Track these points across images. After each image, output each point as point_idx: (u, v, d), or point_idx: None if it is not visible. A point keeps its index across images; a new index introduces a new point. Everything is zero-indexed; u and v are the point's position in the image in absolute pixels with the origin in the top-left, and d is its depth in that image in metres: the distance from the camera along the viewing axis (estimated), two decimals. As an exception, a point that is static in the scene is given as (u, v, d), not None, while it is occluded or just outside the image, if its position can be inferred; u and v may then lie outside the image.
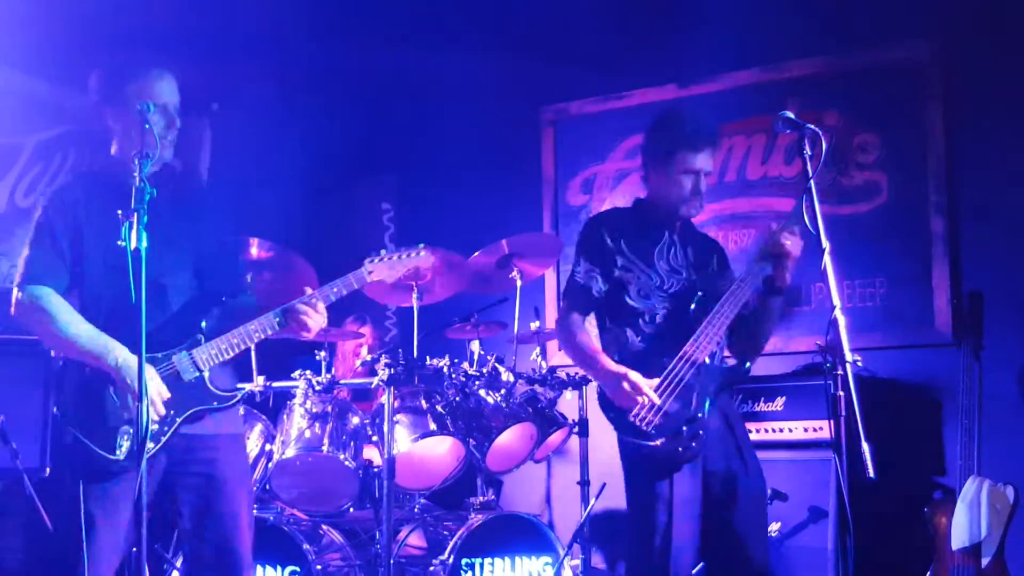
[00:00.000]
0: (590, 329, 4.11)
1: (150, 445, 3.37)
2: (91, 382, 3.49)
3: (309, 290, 3.66)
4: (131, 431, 3.42)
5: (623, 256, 4.05)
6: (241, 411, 3.92)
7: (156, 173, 3.52)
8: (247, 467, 3.78)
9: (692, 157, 3.98)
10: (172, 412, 3.50)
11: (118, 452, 3.44)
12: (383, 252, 3.84)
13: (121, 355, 3.45)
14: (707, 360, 3.88)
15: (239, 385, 3.80)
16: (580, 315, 4.10)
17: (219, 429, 3.61)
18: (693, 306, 3.91)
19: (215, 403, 3.58)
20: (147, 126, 3.33)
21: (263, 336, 3.62)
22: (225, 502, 3.58)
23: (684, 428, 3.81)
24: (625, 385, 3.79)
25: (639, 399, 3.77)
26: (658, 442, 3.79)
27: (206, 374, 3.56)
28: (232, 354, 3.61)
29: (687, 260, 4.08)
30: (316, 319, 3.62)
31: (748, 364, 3.99)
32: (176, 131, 3.70)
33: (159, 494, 3.56)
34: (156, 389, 3.45)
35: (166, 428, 3.49)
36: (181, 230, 3.63)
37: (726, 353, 4.08)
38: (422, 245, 3.91)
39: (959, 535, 4.99)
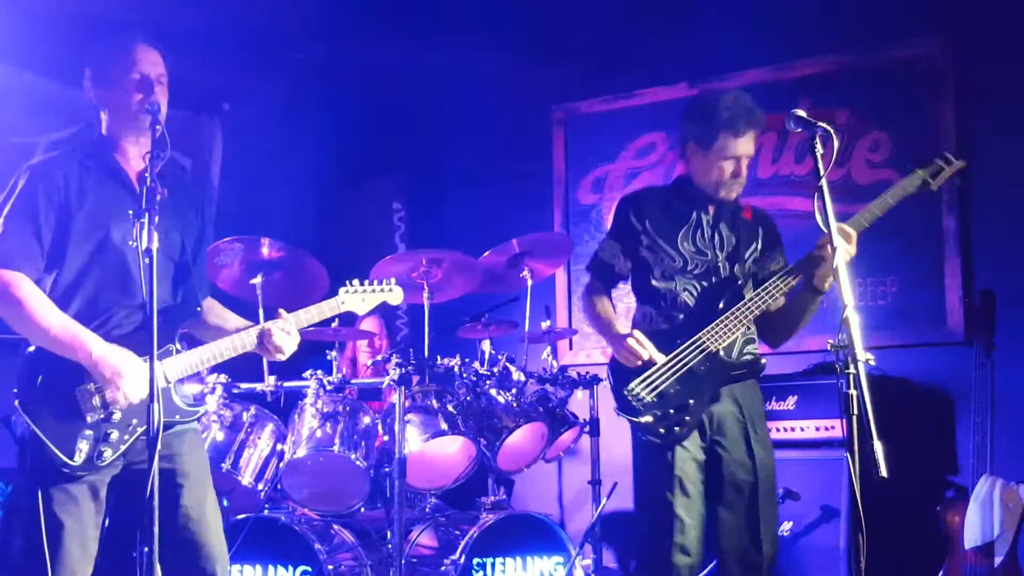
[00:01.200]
0: (613, 300, 4.16)
1: (109, 452, 3.35)
2: (59, 376, 3.34)
3: (283, 312, 3.66)
4: (92, 435, 3.33)
5: (648, 236, 4.07)
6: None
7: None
8: (207, 461, 3.74)
9: (733, 143, 3.96)
10: (135, 421, 3.40)
11: (77, 456, 3.31)
12: (356, 283, 3.90)
13: (98, 348, 3.34)
14: (720, 351, 3.88)
15: (197, 406, 3.68)
16: (602, 285, 4.17)
17: (177, 428, 3.50)
18: (722, 304, 3.91)
19: (176, 416, 3.49)
20: (158, 127, 3.31)
21: (235, 355, 3.60)
22: (190, 497, 3.51)
23: (672, 411, 3.86)
24: (630, 342, 3.85)
25: (640, 354, 3.82)
26: (644, 419, 3.86)
27: (172, 386, 3.49)
28: (200, 369, 3.57)
29: (716, 242, 4.04)
30: (289, 343, 3.63)
31: (763, 361, 4.00)
32: (165, 100, 3.56)
33: (122, 496, 3.47)
34: (138, 389, 3.36)
35: (126, 437, 3.39)
36: (168, 233, 3.47)
37: (748, 348, 4.03)
38: (393, 280, 3.95)
39: (971, 534, 4.98)
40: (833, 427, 5.27)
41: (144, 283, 3.17)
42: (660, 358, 3.86)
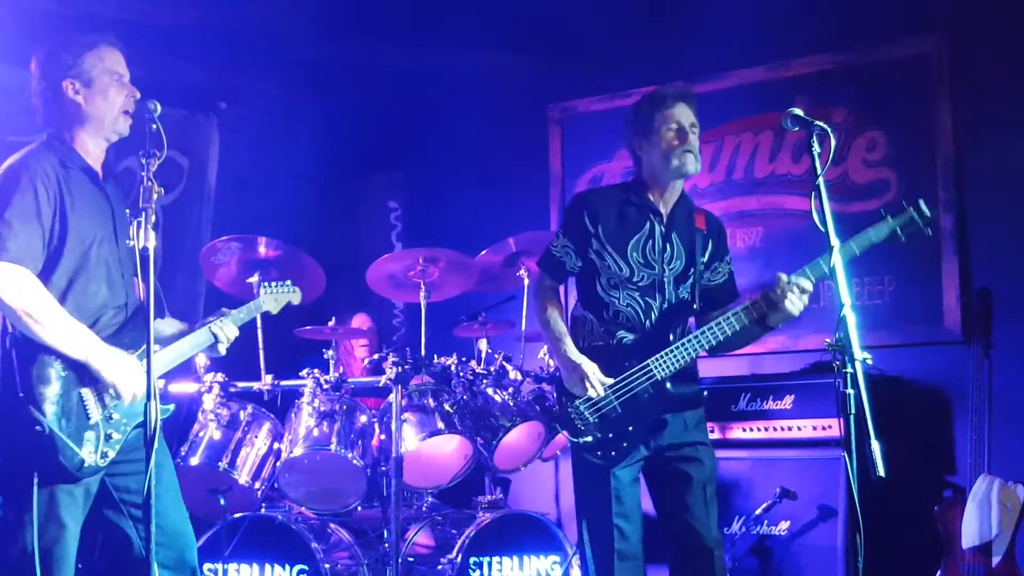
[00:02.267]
0: (561, 302, 4.19)
1: (111, 452, 3.37)
2: (66, 376, 3.34)
3: (225, 310, 3.84)
4: (95, 436, 3.35)
5: (598, 240, 4.07)
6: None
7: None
8: (170, 458, 3.82)
9: (667, 114, 4.02)
10: (125, 420, 3.43)
11: (88, 456, 3.32)
12: (266, 284, 4.25)
13: (102, 348, 3.37)
14: (668, 384, 3.90)
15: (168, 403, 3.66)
16: (553, 282, 4.19)
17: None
18: (671, 335, 3.95)
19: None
20: (154, 126, 3.30)
21: (193, 353, 3.76)
22: (165, 487, 3.52)
23: (611, 435, 3.90)
24: (577, 376, 3.88)
25: (589, 388, 3.86)
26: (584, 439, 3.91)
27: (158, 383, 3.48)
28: (172, 367, 3.65)
29: (666, 255, 4.04)
30: (230, 335, 3.80)
31: (705, 392, 4.03)
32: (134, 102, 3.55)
33: (103, 492, 3.49)
34: (139, 388, 3.39)
35: (119, 436, 3.41)
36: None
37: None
38: (289, 282, 4.30)
39: (969, 534, 4.98)
40: (830, 426, 5.26)
41: (141, 281, 3.17)
42: (607, 383, 3.89)
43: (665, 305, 4.00)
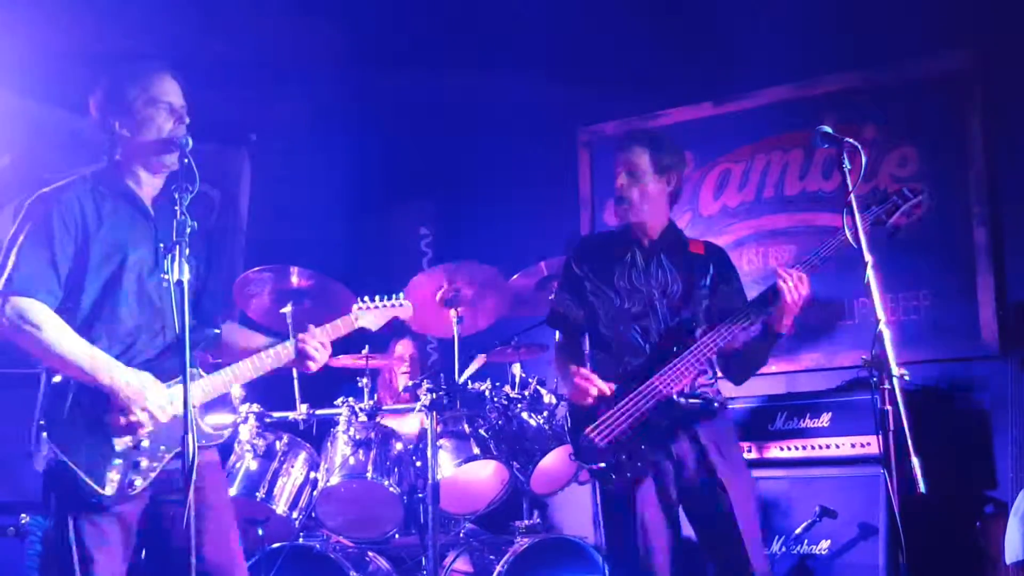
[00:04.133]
0: (577, 353, 4.21)
1: (139, 481, 3.35)
2: (86, 404, 3.34)
3: (312, 327, 3.77)
4: (122, 464, 3.34)
5: (590, 281, 4.14)
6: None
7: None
8: (228, 492, 3.78)
9: (620, 155, 4.11)
10: (163, 448, 3.41)
11: (108, 486, 3.31)
12: (367, 299, 4.07)
13: (117, 372, 3.34)
14: (675, 396, 3.87)
15: (221, 431, 3.70)
16: (564, 338, 4.27)
17: (200, 458, 3.24)
18: (675, 347, 3.91)
19: (204, 441, 3.48)
20: (186, 160, 3.32)
21: (261, 372, 3.66)
22: (215, 528, 3.49)
23: (624, 457, 3.88)
24: (577, 379, 3.91)
25: (591, 392, 3.86)
26: (598, 465, 3.90)
27: (196, 411, 3.48)
28: (224, 391, 3.63)
29: (652, 277, 4.06)
30: (323, 354, 3.73)
31: (716, 404, 3.97)
32: (185, 128, 3.57)
33: (147, 528, 3.46)
34: (160, 411, 3.37)
35: (155, 465, 3.39)
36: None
37: (703, 389, 4.02)
38: (402, 295, 4.13)
39: (1012, 549, 4.91)
40: (869, 443, 5.21)
41: (176, 314, 3.17)
42: (607, 390, 3.88)
43: (663, 328, 3.99)
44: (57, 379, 3.38)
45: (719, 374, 4.14)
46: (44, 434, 3.32)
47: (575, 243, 4.43)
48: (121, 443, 3.35)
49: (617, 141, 4.17)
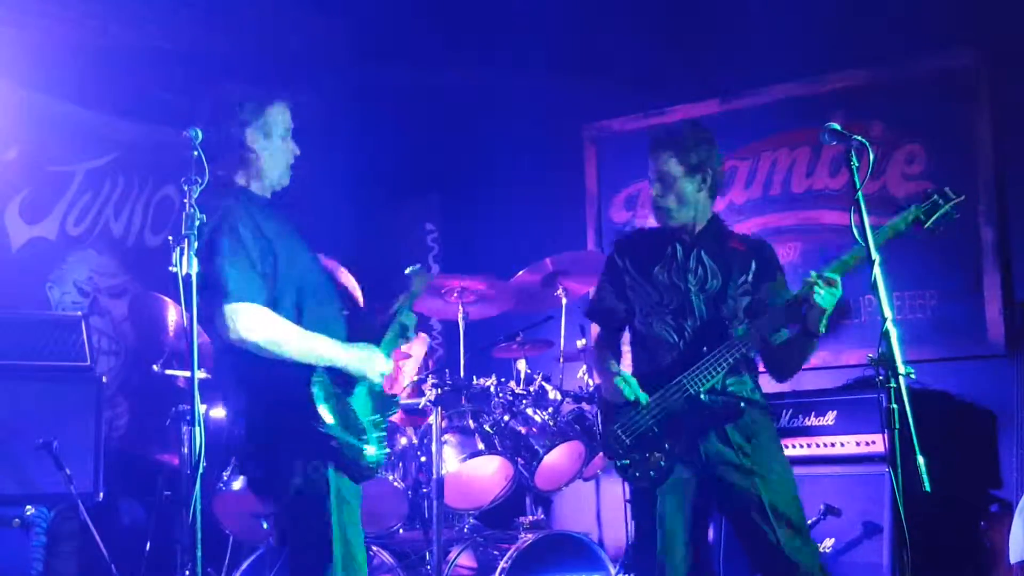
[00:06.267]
0: (614, 348, 4.20)
1: (382, 456, 3.65)
2: (334, 386, 3.54)
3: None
4: (374, 432, 3.61)
5: (629, 274, 4.12)
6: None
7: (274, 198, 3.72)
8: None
9: (650, 162, 4.06)
10: (386, 413, 3.75)
11: (373, 461, 3.61)
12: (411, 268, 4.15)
13: (337, 348, 3.57)
14: (703, 395, 3.86)
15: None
16: (605, 333, 4.26)
17: None
18: (705, 347, 3.89)
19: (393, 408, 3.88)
20: (196, 153, 3.34)
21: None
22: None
23: (648, 455, 3.89)
24: (616, 381, 3.90)
25: (627, 396, 3.86)
26: (623, 461, 3.93)
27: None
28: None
29: (690, 272, 4.01)
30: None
31: (743, 405, 3.91)
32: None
33: None
34: (385, 366, 3.70)
35: (384, 430, 3.71)
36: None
37: (732, 387, 3.98)
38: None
39: (1017, 549, 4.91)
40: (874, 442, 5.22)
41: (185, 308, 3.21)
42: (643, 399, 3.88)
43: (698, 324, 3.96)
44: (302, 374, 3.50)
45: (759, 369, 4.08)
46: (317, 427, 3.47)
47: (620, 237, 4.38)
48: (366, 414, 3.62)
49: (654, 139, 4.08)
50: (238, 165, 3.69)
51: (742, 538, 3.98)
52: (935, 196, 3.82)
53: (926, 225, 3.82)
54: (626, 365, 4.11)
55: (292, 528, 3.71)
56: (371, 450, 3.58)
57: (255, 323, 3.44)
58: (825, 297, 3.70)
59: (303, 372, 3.49)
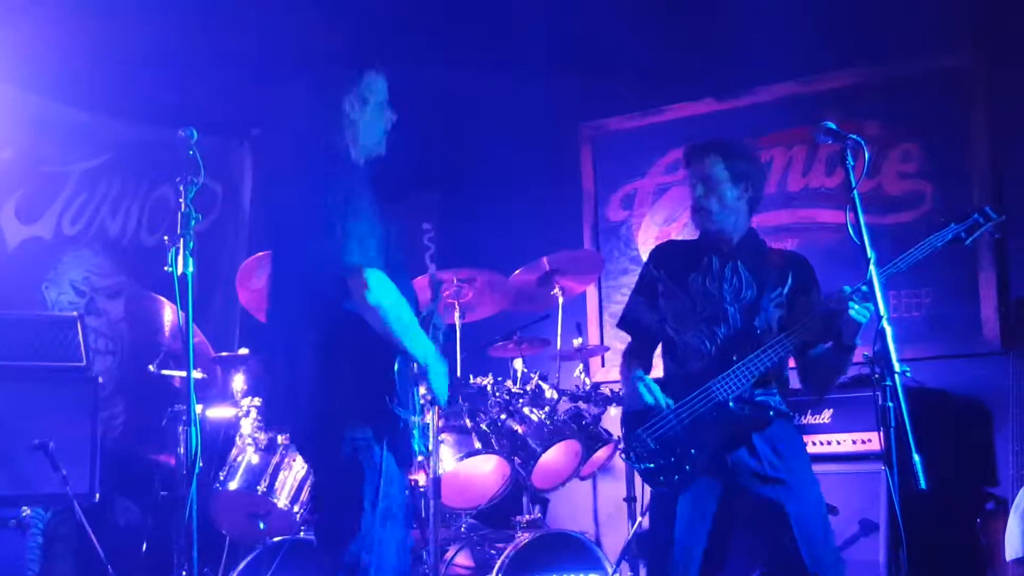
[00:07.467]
0: (644, 359, 4.19)
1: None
2: (405, 379, 3.56)
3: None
4: (419, 431, 3.64)
5: (663, 283, 4.11)
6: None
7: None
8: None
9: (692, 166, 4.09)
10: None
11: (417, 446, 3.63)
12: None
13: (433, 349, 3.61)
14: (731, 403, 3.85)
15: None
16: (636, 344, 4.24)
17: None
18: (735, 356, 3.87)
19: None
20: (191, 153, 3.34)
21: None
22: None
23: (673, 460, 3.88)
24: (639, 386, 3.90)
25: (645, 398, 3.87)
26: (646, 466, 3.93)
27: None
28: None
29: (726, 281, 4.01)
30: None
31: (771, 414, 3.89)
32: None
33: None
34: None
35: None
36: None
37: (760, 397, 3.96)
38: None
39: (1012, 545, 4.91)
40: (870, 440, 5.23)
41: (181, 308, 3.20)
42: (663, 402, 3.88)
43: (731, 333, 3.95)
44: (394, 353, 3.51)
45: (787, 379, 4.07)
46: (394, 404, 3.50)
47: (658, 245, 4.42)
48: (418, 413, 3.67)
49: (692, 144, 4.11)
50: (338, 133, 3.69)
51: (762, 548, 3.98)
52: (976, 215, 3.82)
53: (966, 243, 3.83)
54: (657, 375, 4.10)
55: (326, 492, 3.74)
56: (420, 439, 3.65)
57: (392, 294, 3.45)
58: (860, 311, 3.69)
59: (391, 351, 3.50)
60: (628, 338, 4.27)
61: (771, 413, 3.89)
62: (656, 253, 4.26)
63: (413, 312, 3.61)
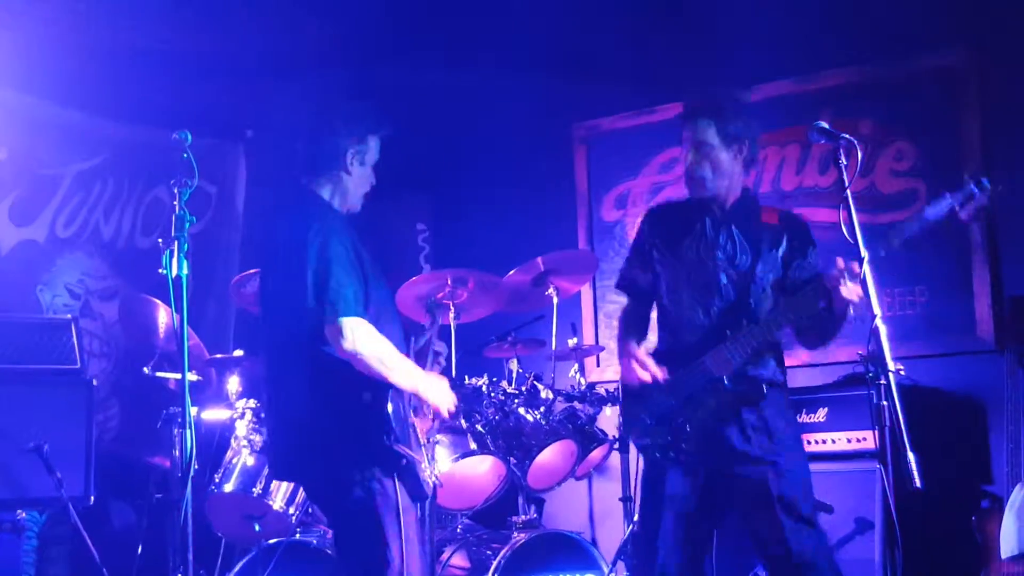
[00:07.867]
0: (640, 322, 4.17)
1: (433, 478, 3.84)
2: (403, 411, 3.64)
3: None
4: (427, 459, 3.71)
5: (657, 249, 4.09)
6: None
7: None
8: None
9: (685, 131, 4.03)
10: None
11: (427, 486, 3.71)
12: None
13: (420, 374, 3.73)
14: (724, 379, 3.84)
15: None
16: (633, 304, 4.21)
17: None
18: (728, 329, 3.86)
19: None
20: (185, 155, 3.34)
21: None
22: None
23: (669, 436, 3.89)
24: (634, 363, 3.91)
25: (643, 377, 3.87)
26: (643, 441, 3.96)
27: None
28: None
29: (718, 247, 3.97)
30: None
31: (765, 388, 3.88)
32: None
33: None
34: (451, 401, 3.85)
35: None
36: None
37: (752, 371, 3.95)
38: None
39: (1008, 543, 4.92)
40: (865, 438, 5.23)
41: (176, 311, 3.21)
42: (660, 376, 3.88)
43: (724, 303, 3.93)
44: (386, 392, 3.59)
45: (780, 344, 4.03)
46: (393, 443, 3.57)
47: (651, 208, 4.34)
48: (423, 440, 3.74)
49: (688, 106, 4.06)
50: (329, 180, 3.80)
51: (748, 527, 3.96)
52: (971, 185, 3.76)
53: (961, 214, 3.76)
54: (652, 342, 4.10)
55: (348, 536, 3.75)
56: (428, 469, 3.70)
57: (369, 339, 3.51)
58: (851, 290, 3.66)
59: (382, 389, 3.56)
60: (623, 340, 4.18)
61: (764, 388, 3.88)
62: (649, 218, 4.21)
63: (400, 338, 3.70)
